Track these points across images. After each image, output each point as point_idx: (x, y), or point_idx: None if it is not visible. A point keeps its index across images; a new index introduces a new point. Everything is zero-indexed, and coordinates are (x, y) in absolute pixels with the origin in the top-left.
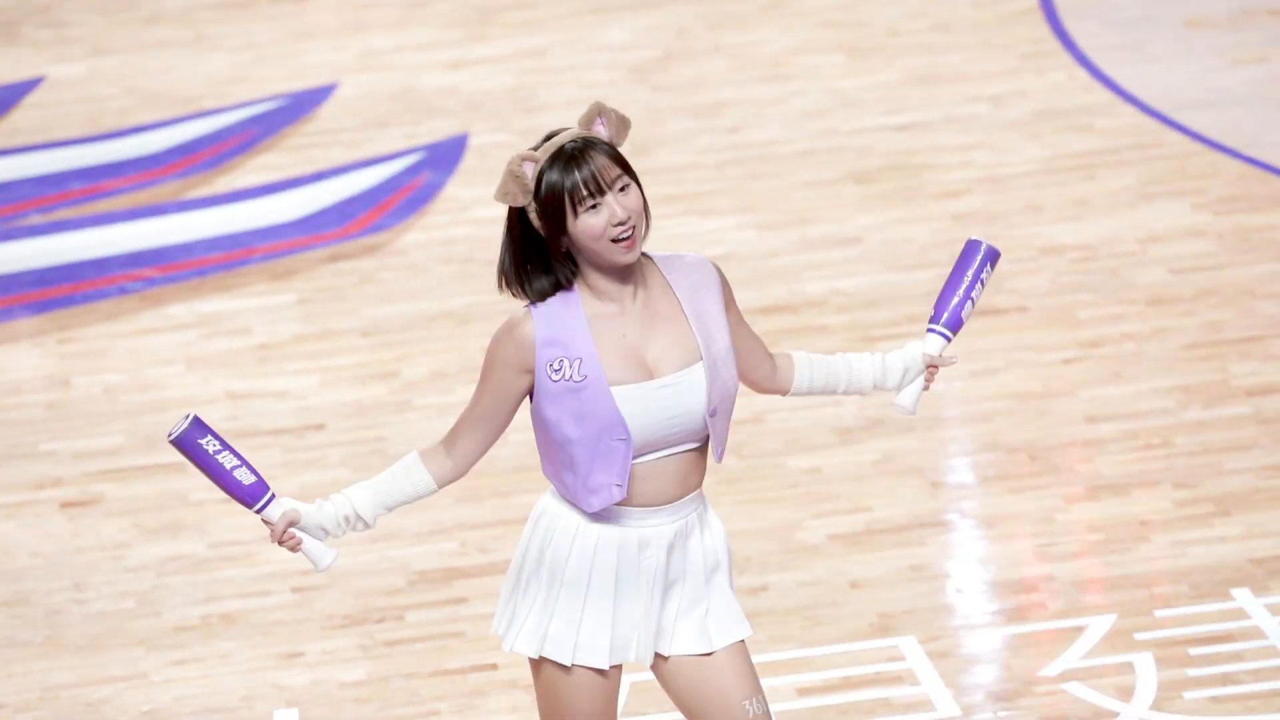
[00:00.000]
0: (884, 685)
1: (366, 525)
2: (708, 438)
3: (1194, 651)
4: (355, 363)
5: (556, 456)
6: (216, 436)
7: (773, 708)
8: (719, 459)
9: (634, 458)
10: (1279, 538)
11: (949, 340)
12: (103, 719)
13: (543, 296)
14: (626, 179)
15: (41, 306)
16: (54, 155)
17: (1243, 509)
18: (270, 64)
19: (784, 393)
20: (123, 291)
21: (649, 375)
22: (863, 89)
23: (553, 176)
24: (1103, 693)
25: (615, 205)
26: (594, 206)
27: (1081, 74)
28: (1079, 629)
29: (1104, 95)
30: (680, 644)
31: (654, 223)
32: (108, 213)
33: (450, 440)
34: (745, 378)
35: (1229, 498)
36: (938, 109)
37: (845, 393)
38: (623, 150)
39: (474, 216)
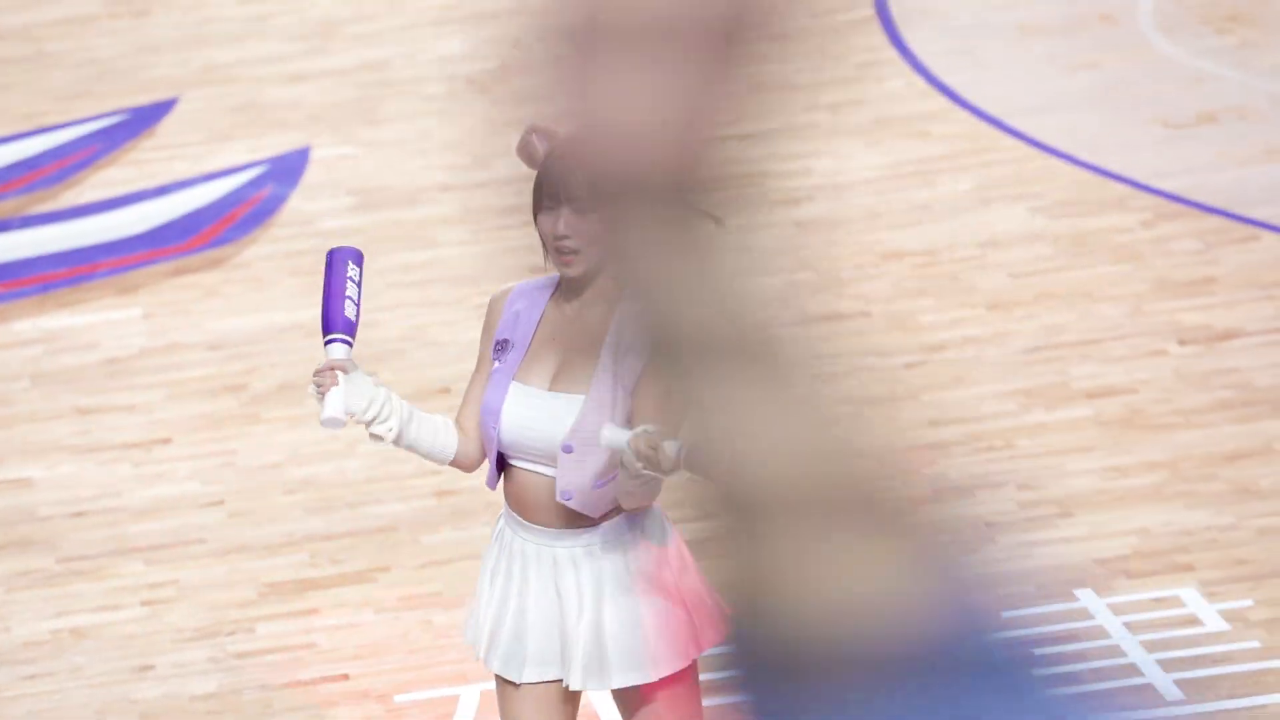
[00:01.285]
0: None
1: (390, 430)
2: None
3: (1039, 651)
4: (203, 375)
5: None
6: (359, 280)
7: None
8: (560, 496)
9: (508, 457)
10: (1121, 538)
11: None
12: None
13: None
14: (586, 205)
15: None
16: None
17: (1085, 510)
18: (112, 79)
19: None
20: None
21: (543, 384)
22: None
23: (546, 167)
24: None
25: (563, 219)
26: (549, 209)
27: (918, 81)
28: None
29: (941, 102)
30: (574, 677)
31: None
32: None
33: (459, 417)
34: None
35: (1071, 499)
36: (776, 117)
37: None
38: None
39: (319, 229)
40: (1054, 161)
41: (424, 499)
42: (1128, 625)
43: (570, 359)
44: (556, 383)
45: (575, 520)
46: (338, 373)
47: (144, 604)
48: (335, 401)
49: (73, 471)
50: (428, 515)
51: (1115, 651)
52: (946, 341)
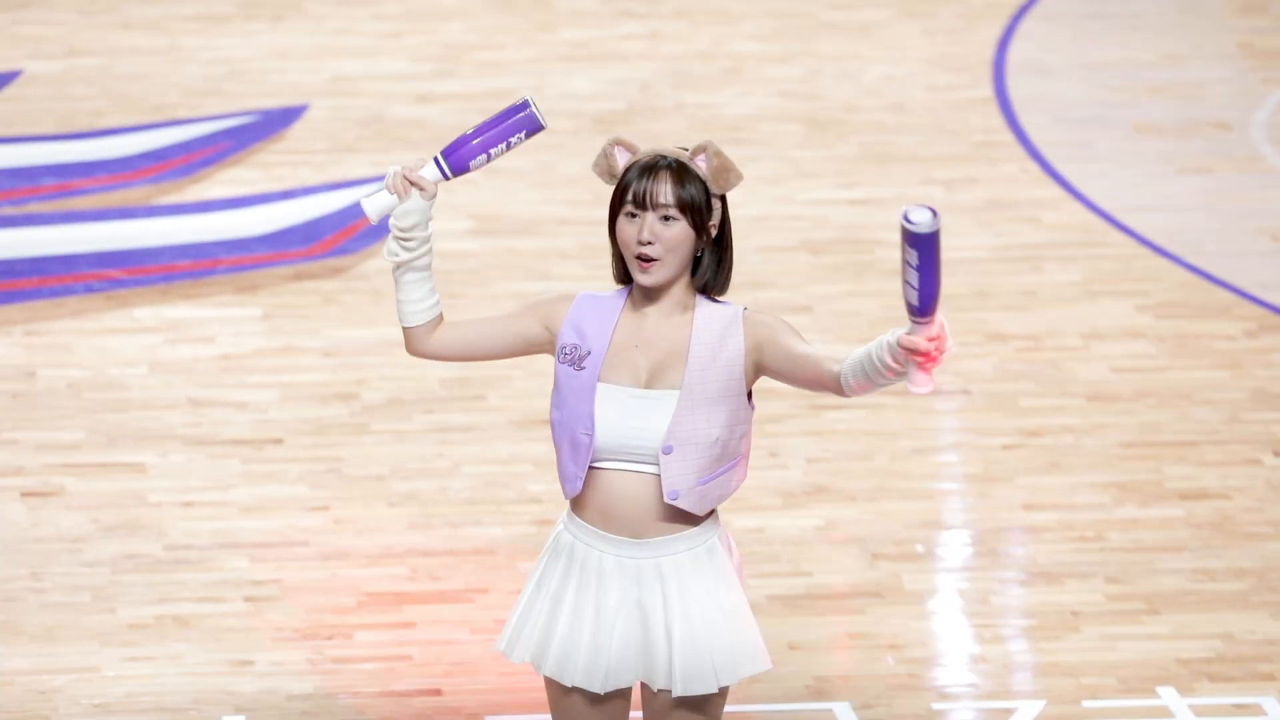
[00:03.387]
0: None
1: (395, 258)
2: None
3: None
4: (316, 381)
5: (552, 437)
6: (511, 146)
7: None
8: (667, 497)
9: (597, 460)
10: (1206, 640)
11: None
12: (54, 708)
13: (620, 280)
14: (676, 213)
15: (9, 297)
16: (28, 149)
17: (1171, 609)
18: (242, 80)
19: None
20: (89, 290)
21: (636, 383)
22: (818, 160)
23: (628, 177)
24: None
25: (648, 225)
26: (633, 215)
27: (1033, 167)
28: (1008, 711)
29: (1054, 190)
30: (657, 680)
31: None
32: (78, 211)
33: (459, 320)
34: (816, 382)
35: (1158, 597)
36: (891, 187)
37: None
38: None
39: (437, 250)
40: (1161, 261)
41: (524, 525)
42: None
43: (660, 360)
44: (651, 381)
45: (664, 525)
46: (413, 189)
47: (246, 599)
48: (387, 206)
49: (184, 462)
50: (526, 541)
51: None
52: (1045, 427)
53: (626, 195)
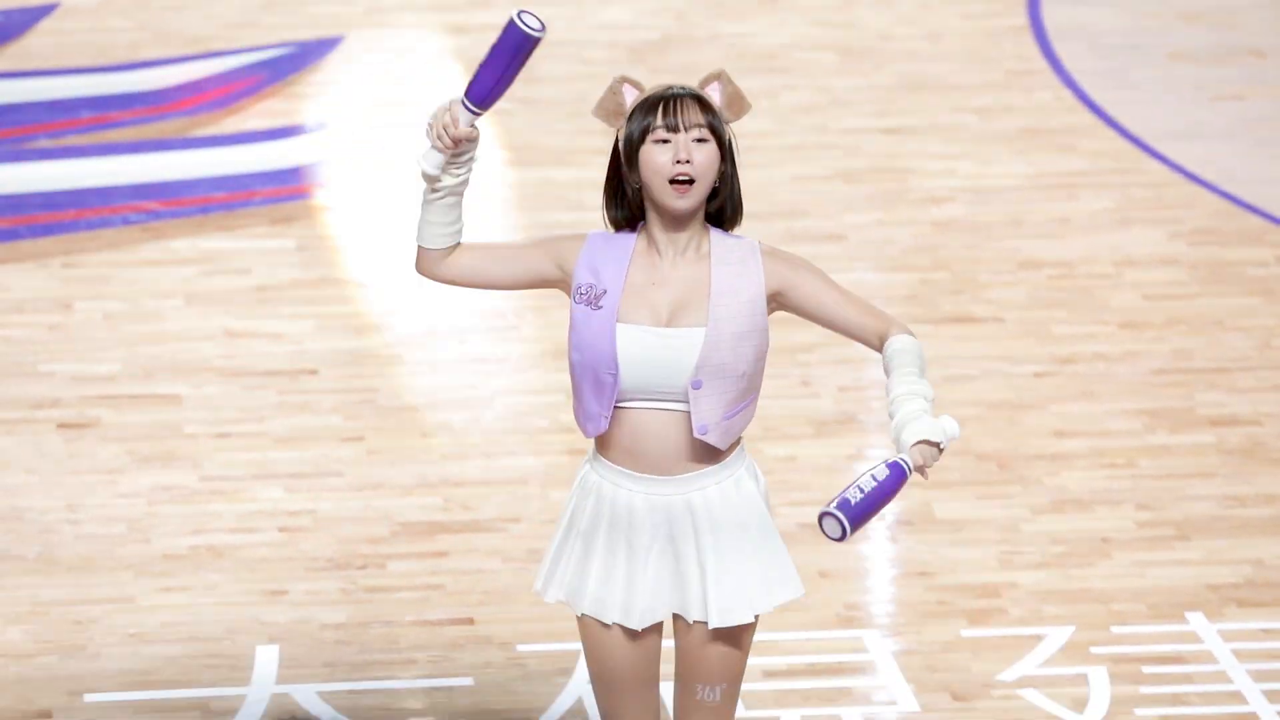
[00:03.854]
0: (847, 675)
1: (438, 182)
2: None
3: (1147, 670)
4: (351, 311)
5: (571, 377)
6: (520, 66)
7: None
8: (697, 432)
9: (622, 400)
10: (1235, 565)
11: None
12: (90, 638)
13: (617, 225)
14: (707, 134)
15: (46, 229)
16: (64, 81)
17: (1202, 535)
18: (279, 11)
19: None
20: (126, 222)
21: (657, 322)
22: (853, 89)
23: (642, 109)
24: (1057, 701)
25: (683, 146)
26: (664, 141)
27: (1066, 95)
28: (1038, 637)
29: (1087, 118)
30: (693, 612)
31: None
32: (115, 143)
33: (470, 244)
34: (854, 337)
35: (1189, 523)
36: (925, 116)
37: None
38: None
39: (472, 180)
40: (1194, 188)
41: (556, 455)
42: (1235, 653)
43: (680, 298)
44: (674, 319)
45: (692, 461)
46: (460, 136)
47: (281, 530)
48: (441, 160)
49: (219, 392)
50: (559, 471)
51: (1222, 678)
52: (1077, 355)
53: (655, 120)
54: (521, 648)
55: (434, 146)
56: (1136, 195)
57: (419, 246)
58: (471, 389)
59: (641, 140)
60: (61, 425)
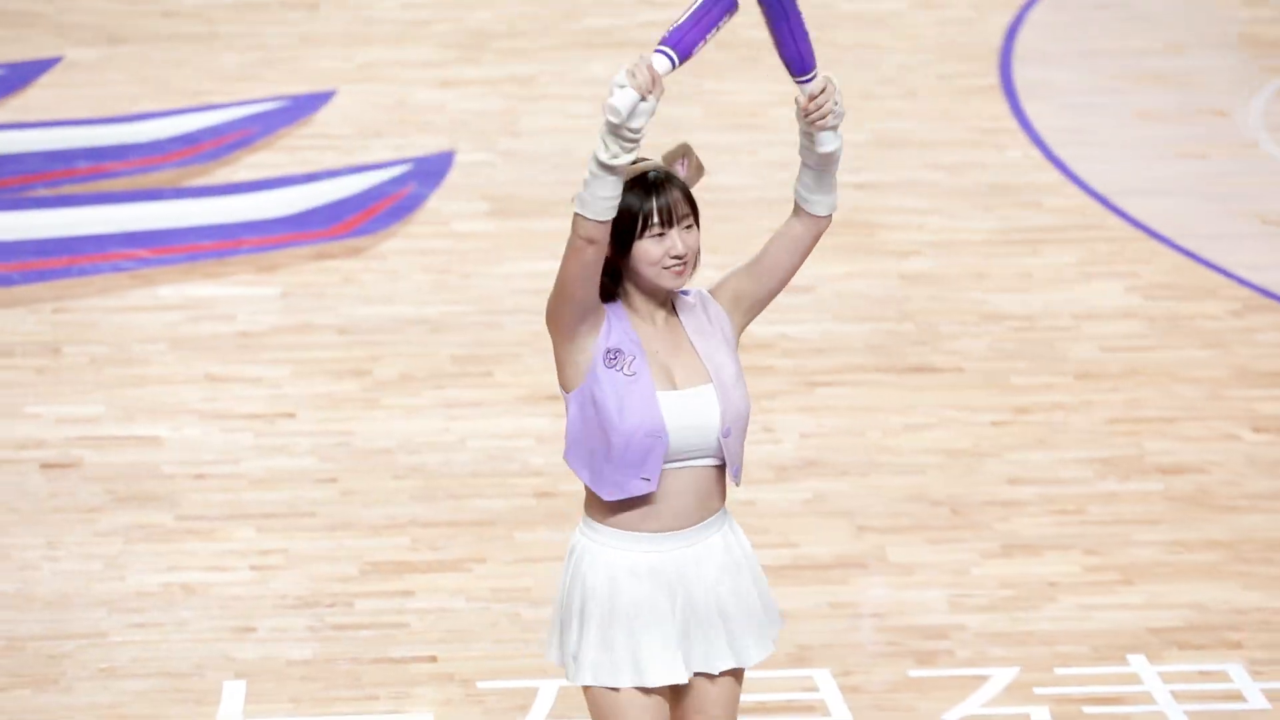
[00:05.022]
0: (797, 713)
1: (613, 155)
2: (722, 460)
3: (1088, 710)
4: (330, 358)
5: (592, 442)
6: (717, 29)
7: None
8: (737, 482)
9: (664, 466)
10: (1177, 609)
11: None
12: (62, 672)
13: (605, 298)
14: (692, 220)
15: (40, 275)
16: (64, 133)
17: (1146, 580)
18: (276, 66)
19: (822, 223)
20: (116, 269)
21: (674, 386)
22: None
23: (630, 198)
24: None
25: (678, 240)
26: (659, 235)
27: (1035, 153)
28: (983, 678)
29: (1054, 175)
30: (693, 664)
31: None
32: (110, 192)
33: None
34: (804, 247)
35: (1134, 567)
36: (897, 171)
37: (824, 164)
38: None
39: (453, 230)
40: (1155, 244)
41: (524, 498)
42: (1174, 694)
43: (673, 360)
44: (685, 380)
45: (706, 513)
46: (650, 81)
47: (252, 568)
48: (632, 102)
49: (198, 435)
50: (526, 514)
51: (1160, 718)
52: (1034, 405)
53: (650, 219)
54: (482, 684)
55: (628, 85)
56: (1099, 250)
57: (595, 222)
58: (445, 432)
59: (637, 234)
60: (44, 465)
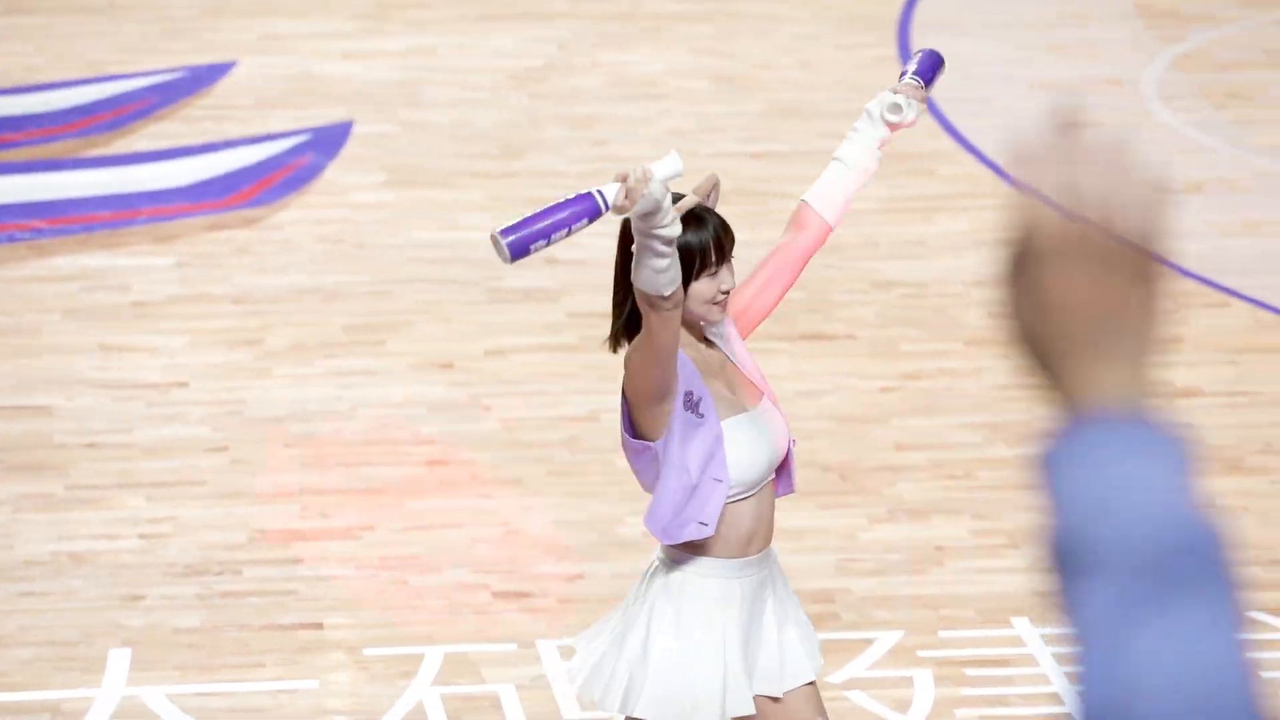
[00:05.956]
0: None
1: (665, 229)
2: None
3: (970, 672)
4: (224, 327)
5: (665, 484)
6: (541, 235)
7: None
8: (787, 491)
9: (737, 496)
10: None
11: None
12: None
13: (629, 335)
14: (732, 254)
15: None
16: None
17: (1032, 544)
18: (178, 37)
19: (829, 230)
20: (11, 240)
21: (735, 411)
22: (726, 116)
23: (687, 235)
24: (881, 703)
25: (728, 276)
26: (713, 274)
27: (930, 121)
28: (867, 641)
29: (948, 143)
30: (760, 686)
31: None
32: (7, 163)
33: None
34: (799, 263)
35: (1020, 532)
36: (792, 141)
37: (864, 175)
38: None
39: (350, 200)
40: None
41: (415, 466)
42: (1057, 656)
43: (727, 383)
44: (743, 405)
45: (772, 526)
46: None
47: (141, 536)
48: (660, 196)
49: (90, 405)
50: (417, 482)
51: (1042, 680)
52: (923, 371)
53: (707, 258)
54: (368, 651)
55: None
56: (990, 218)
57: (662, 296)
58: (337, 400)
59: (695, 275)
60: None
